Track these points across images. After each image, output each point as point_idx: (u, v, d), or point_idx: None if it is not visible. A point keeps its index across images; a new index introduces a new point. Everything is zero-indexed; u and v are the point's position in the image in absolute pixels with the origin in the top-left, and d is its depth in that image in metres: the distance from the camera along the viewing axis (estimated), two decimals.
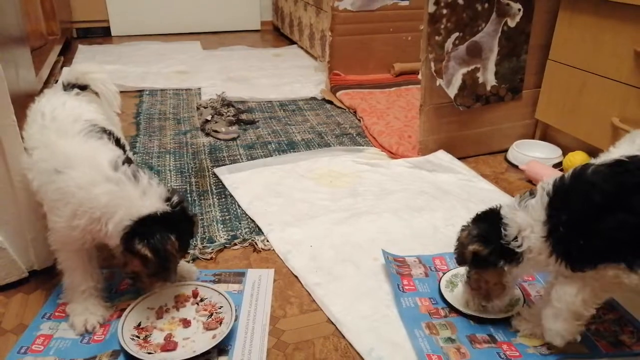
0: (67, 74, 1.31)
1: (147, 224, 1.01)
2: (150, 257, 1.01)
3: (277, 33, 4.34)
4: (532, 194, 1.01)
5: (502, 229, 1.00)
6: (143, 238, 1.00)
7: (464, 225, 1.10)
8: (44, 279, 1.28)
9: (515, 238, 0.99)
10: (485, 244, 1.02)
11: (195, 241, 1.43)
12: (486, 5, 1.81)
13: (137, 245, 1.00)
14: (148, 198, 1.02)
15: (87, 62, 3.24)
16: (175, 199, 1.06)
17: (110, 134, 1.13)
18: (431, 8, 1.74)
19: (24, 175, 1.20)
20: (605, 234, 0.91)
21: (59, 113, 1.12)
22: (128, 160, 1.07)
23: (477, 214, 1.09)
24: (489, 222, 1.04)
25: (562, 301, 0.99)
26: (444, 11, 1.76)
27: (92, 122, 1.12)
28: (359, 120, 2.37)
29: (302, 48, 3.72)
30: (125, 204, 1.01)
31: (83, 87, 1.27)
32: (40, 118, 1.11)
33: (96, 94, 1.30)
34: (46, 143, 1.07)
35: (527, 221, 0.98)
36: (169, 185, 1.42)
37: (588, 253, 0.93)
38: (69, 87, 1.26)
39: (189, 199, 1.67)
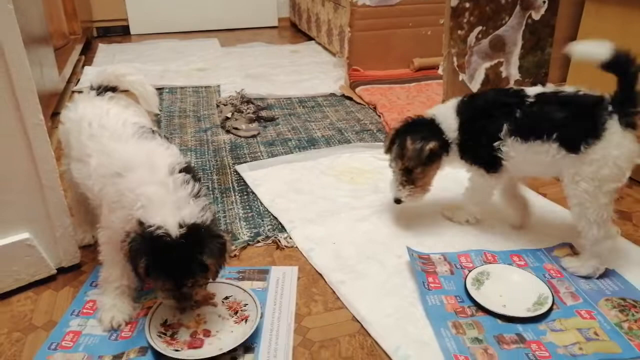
0: (97, 76, 1.31)
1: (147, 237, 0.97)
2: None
3: (295, 29, 4.33)
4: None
5: (441, 128, 1.36)
6: (129, 241, 0.98)
7: (393, 135, 1.40)
8: (72, 276, 1.30)
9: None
10: (436, 141, 1.34)
11: None
12: None
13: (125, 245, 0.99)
14: (172, 212, 0.97)
15: (107, 60, 3.29)
16: (187, 223, 0.97)
17: (157, 133, 1.15)
18: (454, 2, 1.71)
19: (72, 181, 1.24)
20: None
21: (106, 121, 1.13)
22: (186, 169, 1.06)
23: (406, 123, 1.40)
24: (426, 127, 1.37)
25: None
26: (467, 5, 1.73)
27: (139, 124, 1.14)
28: (379, 116, 2.35)
29: (320, 44, 3.71)
30: (147, 209, 0.97)
31: (113, 89, 1.28)
32: (88, 126, 1.13)
33: (125, 90, 1.32)
34: (102, 150, 1.08)
35: (452, 124, 1.35)
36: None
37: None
38: (100, 89, 1.27)
39: (212, 196, 1.67)
